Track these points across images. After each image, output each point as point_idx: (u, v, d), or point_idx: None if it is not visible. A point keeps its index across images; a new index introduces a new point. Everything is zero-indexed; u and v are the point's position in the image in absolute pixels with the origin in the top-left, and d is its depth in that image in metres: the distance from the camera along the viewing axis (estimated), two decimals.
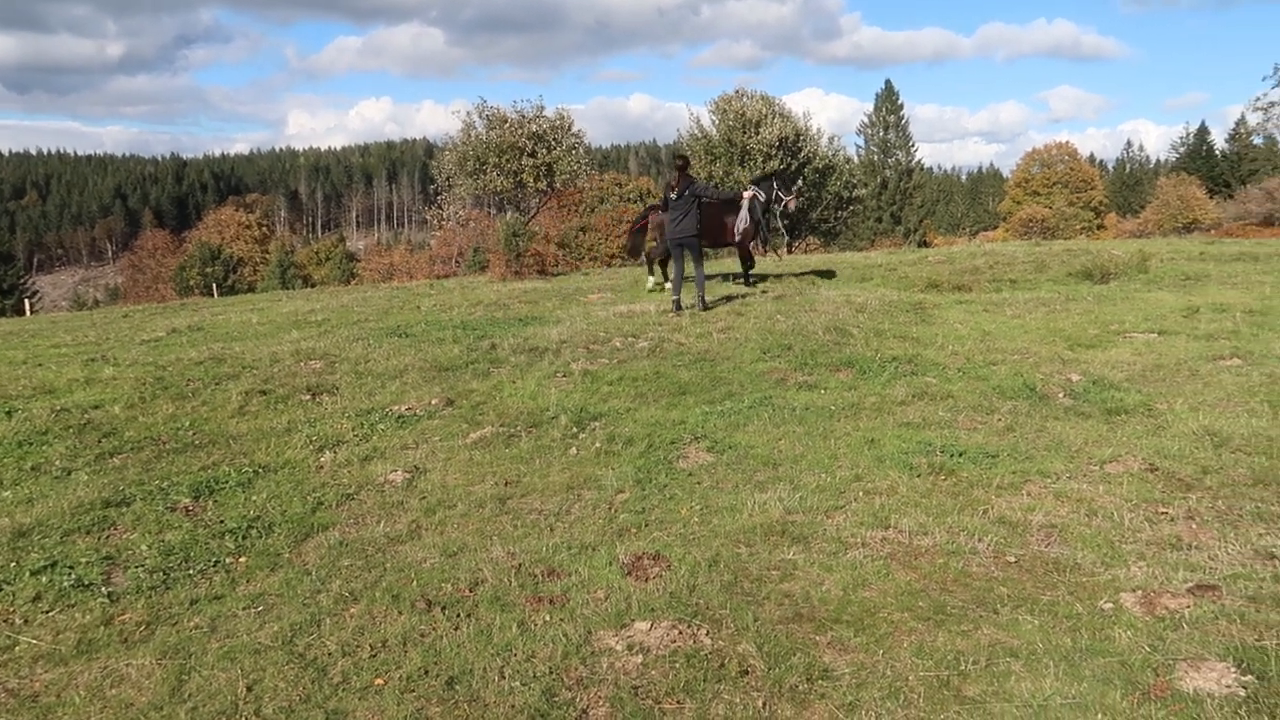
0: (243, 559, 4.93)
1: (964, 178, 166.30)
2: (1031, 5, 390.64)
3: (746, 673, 3.54)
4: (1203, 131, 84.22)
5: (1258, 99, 38.62)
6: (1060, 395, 7.52)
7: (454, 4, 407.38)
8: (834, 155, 33.48)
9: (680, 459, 6.28)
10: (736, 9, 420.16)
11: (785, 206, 14.51)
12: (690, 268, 11.93)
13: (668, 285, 13.85)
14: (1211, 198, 69.40)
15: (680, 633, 3.85)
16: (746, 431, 6.80)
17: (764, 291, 13.44)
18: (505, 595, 4.24)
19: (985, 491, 5.41)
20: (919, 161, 69.59)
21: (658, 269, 14.93)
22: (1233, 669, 3.34)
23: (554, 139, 23.01)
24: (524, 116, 23.17)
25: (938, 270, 16.27)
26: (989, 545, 4.65)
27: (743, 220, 13.39)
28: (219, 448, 6.99)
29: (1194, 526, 4.78)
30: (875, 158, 66.15)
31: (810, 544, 4.74)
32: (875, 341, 9.65)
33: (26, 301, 40.02)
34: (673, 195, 11.58)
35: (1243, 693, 3.19)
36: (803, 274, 16.19)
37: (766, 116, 29.95)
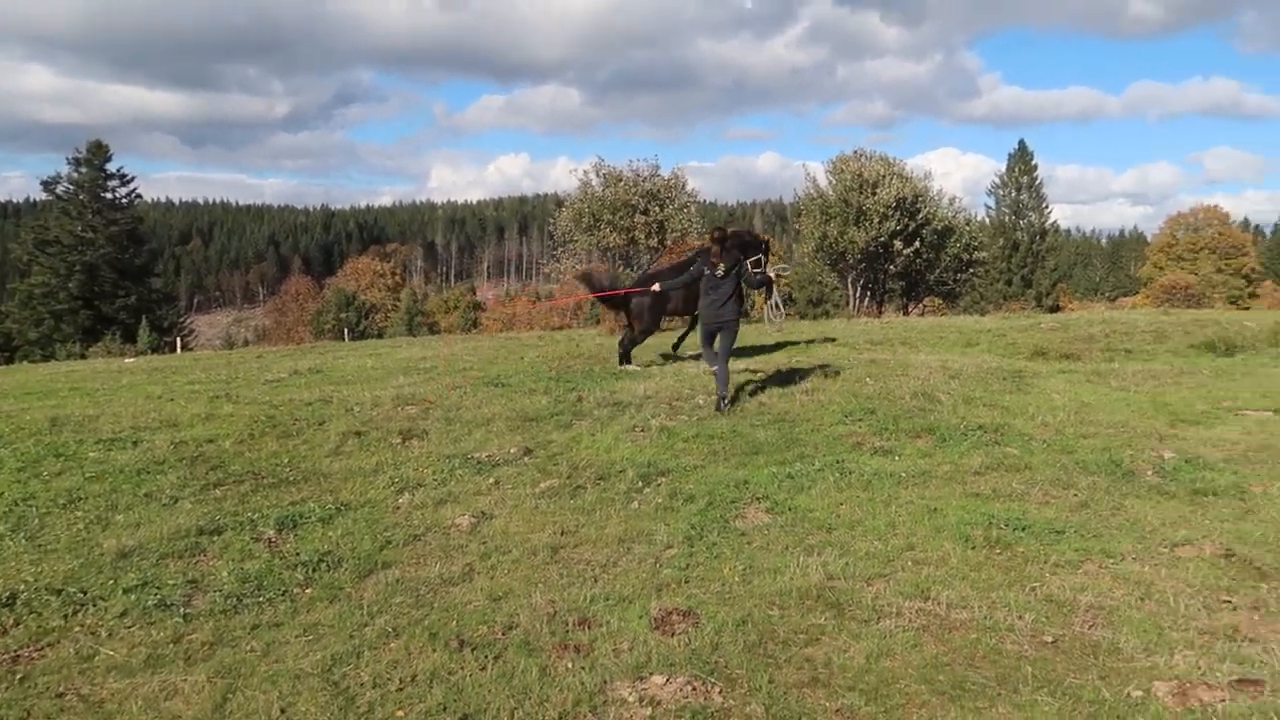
0: (308, 590, 5.28)
1: (1104, 241, 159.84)
2: (1186, 63, 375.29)
3: None
4: None
5: None
6: (1148, 473, 7.22)
7: (591, 65, 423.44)
8: (954, 217, 32.91)
9: (738, 518, 6.34)
10: (871, 68, 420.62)
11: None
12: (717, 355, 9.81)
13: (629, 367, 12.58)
14: None
15: (694, 689, 3.93)
16: (810, 494, 6.80)
17: (857, 354, 13.34)
18: (535, 640, 4.42)
19: (1039, 568, 5.28)
20: (1053, 223, 67.21)
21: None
22: None
23: (667, 197, 23.55)
24: (639, 175, 23.84)
25: (1048, 337, 15.78)
26: (1028, 623, 4.54)
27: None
28: (310, 484, 7.46)
29: (1256, 618, 4.54)
30: (1006, 219, 64.41)
31: (844, 610, 4.73)
32: (963, 409, 9.47)
33: (179, 340, 43.11)
34: (718, 273, 9.55)
35: None
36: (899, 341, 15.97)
37: (884, 177, 29.78)
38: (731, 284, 9.59)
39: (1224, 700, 3.70)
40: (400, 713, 3.79)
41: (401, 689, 3.99)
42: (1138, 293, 74.92)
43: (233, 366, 16.38)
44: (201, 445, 8.45)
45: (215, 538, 6.15)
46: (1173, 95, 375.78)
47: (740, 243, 11.54)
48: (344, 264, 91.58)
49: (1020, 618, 4.60)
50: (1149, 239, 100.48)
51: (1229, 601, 4.75)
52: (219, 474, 7.68)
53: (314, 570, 5.58)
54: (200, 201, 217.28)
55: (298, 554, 5.85)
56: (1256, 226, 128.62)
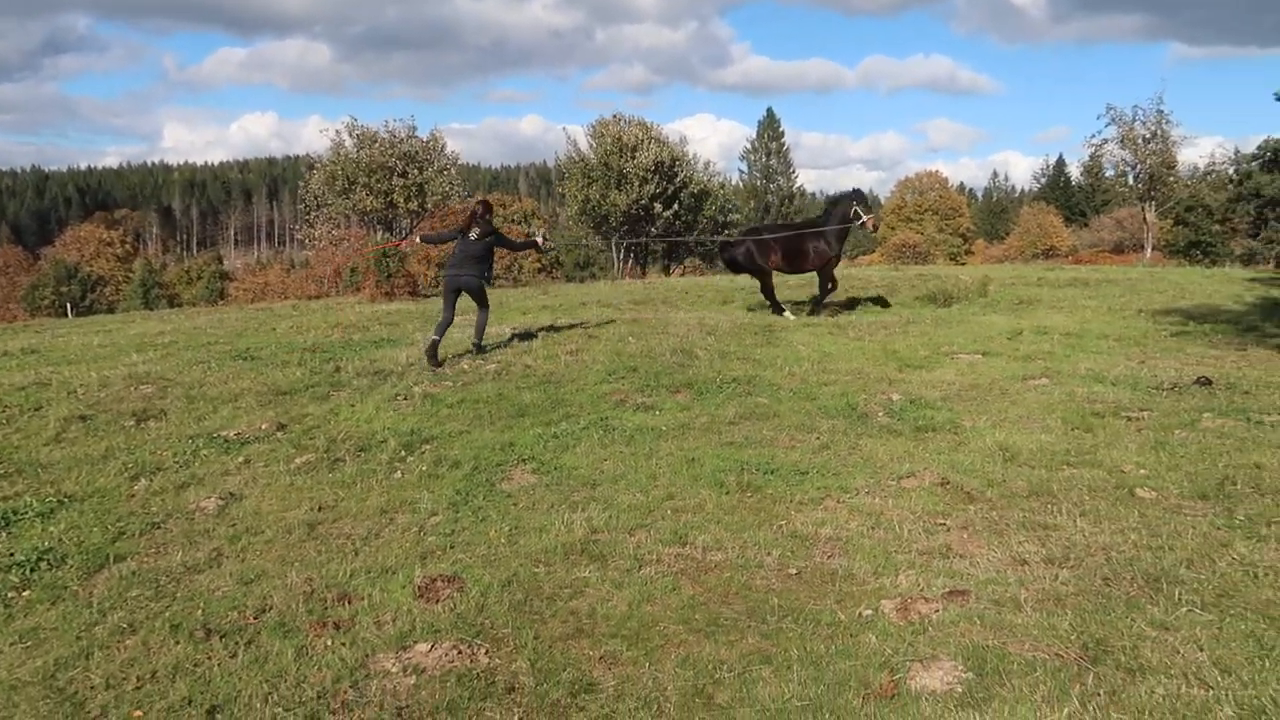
0: (25, 593, 4.75)
1: None
2: (910, 40, 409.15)
3: (513, 689, 3.64)
4: (1060, 164, 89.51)
5: (1092, 136, 42.27)
6: (879, 414, 7.91)
7: (341, 19, 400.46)
8: (710, 180, 34.27)
9: (504, 480, 6.35)
10: (630, 33, 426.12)
11: (865, 225, 14.83)
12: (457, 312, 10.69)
13: (786, 313, 13.76)
14: (1068, 225, 73.87)
15: (460, 653, 3.91)
16: (575, 453, 6.92)
17: (621, 314, 13.67)
18: (291, 621, 4.22)
19: (786, 507, 5.67)
20: (800, 187, 71.77)
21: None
22: (959, 667, 3.62)
23: (426, 159, 22.87)
24: (395, 136, 22.97)
25: (795, 294, 16.84)
26: (775, 558, 4.88)
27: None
28: (26, 477, 6.69)
29: (965, 536, 5.12)
30: (758, 183, 67.96)
31: (608, 562, 4.87)
32: (719, 363, 9.94)
33: None
34: (471, 237, 10.27)
35: (960, 690, 3.47)
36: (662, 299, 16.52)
37: (643, 142, 30.47)
38: (480, 249, 10.39)
39: (938, 610, 4.16)
40: (138, 713, 3.50)
41: (140, 687, 3.69)
42: (875, 250, 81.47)
43: None
44: None
45: None
46: (900, 70, 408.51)
47: (835, 200, 14.80)
48: (63, 232, 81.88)
49: (768, 554, 4.93)
50: (883, 201, 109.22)
51: (944, 524, 5.32)
52: None
53: (32, 570, 5.03)
54: None
55: (12, 554, 5.24)
56: (970, 190, 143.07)
